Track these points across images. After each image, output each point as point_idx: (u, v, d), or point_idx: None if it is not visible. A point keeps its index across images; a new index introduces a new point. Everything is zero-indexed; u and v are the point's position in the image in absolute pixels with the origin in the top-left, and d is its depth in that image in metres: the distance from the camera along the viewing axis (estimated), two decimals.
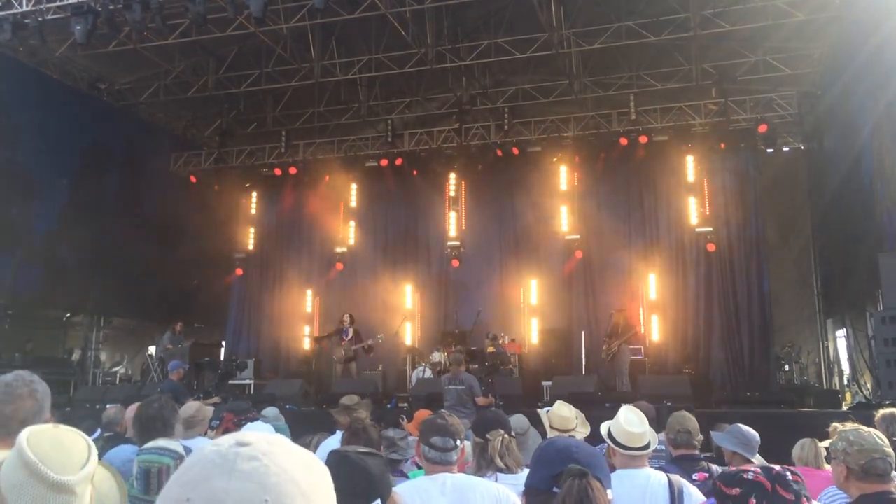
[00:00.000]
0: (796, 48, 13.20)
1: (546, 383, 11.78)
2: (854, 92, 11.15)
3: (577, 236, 14.73)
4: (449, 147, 15.87)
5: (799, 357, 14.03)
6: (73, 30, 10.67)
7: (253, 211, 17.32)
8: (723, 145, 14.28)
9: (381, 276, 15.63)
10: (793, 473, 1.98)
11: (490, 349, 12.43)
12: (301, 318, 16.37)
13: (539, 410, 4.88)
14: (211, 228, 16.34)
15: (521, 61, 13.83)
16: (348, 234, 16.46)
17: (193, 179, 16.89)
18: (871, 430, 2.92)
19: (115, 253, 14.33)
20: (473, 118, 15.78)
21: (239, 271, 16.99)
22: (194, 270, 16.21)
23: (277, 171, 16.58)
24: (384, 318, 14.85)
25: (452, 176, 15.76)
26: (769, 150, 14.56)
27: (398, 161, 15.83)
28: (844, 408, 10.05)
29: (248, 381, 13.42)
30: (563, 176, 15.11)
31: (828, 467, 3.70)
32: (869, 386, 10.74)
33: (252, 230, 17.24)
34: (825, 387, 13.49)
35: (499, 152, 15.23)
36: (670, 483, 2.96)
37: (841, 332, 13.55)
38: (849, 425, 2.96)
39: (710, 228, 14.08)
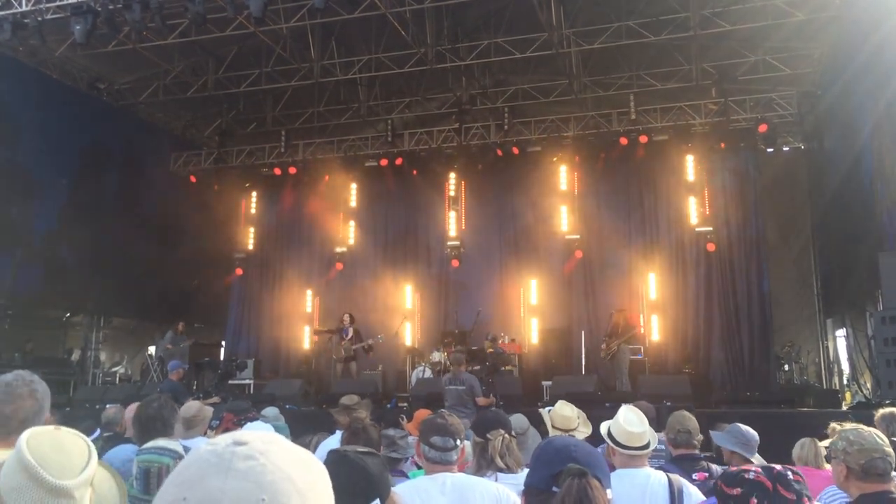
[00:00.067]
0: (796, 48, 13.20)
1: (546, 383, 11.77)
2: (854, 92, 11.15)
3: (577, 236, 14.73)
4: (449, 147, 15.86)
5: (799, 357, 14.01)
6: (72, 30, 10.66)
7: (253, 211, 17.31)
8: (723, 145, 14.29)
9: (380, 276, 15.62)
10: (794, 473, 1.97)
11: (489, 350, 12.41)
12: (301, 318, 16.35)
13: (541, 410, 4.86)
14: (211, 228, 16.33)
15: (520, 61, 13.81)
16: (348, 234, 16.45)
17: (193, 179, 16.89)
18: (871, 429, 2.92)
19: (114, 253, 14.32)
20: (473, 118, 15.77)
21: (239, 271, 16.99)
22: (194, 270, 16.21)
23: (277, 171, 16.57)
24: (384, 318, 14.84)
25: (452, 176, 15.75)
26: (769, 150, 14.55)
27: (398, 161, 15.82)
28: (844, 407, 10.04)
29: (247, 381, 13.42)
30: (563, 176, 15.10)
31: (828, 467, 3.70)
32: (869, 385, 10.73)
33: (252, 230, 17.22)
34: (825, 386, 13.47)
35: (499, 152, 15.23)
36: (670, 482, 2.96)
37: (841, 332, 13.54)
38: (848, 425, 2.96)
39: (710, 228, 14.08)
